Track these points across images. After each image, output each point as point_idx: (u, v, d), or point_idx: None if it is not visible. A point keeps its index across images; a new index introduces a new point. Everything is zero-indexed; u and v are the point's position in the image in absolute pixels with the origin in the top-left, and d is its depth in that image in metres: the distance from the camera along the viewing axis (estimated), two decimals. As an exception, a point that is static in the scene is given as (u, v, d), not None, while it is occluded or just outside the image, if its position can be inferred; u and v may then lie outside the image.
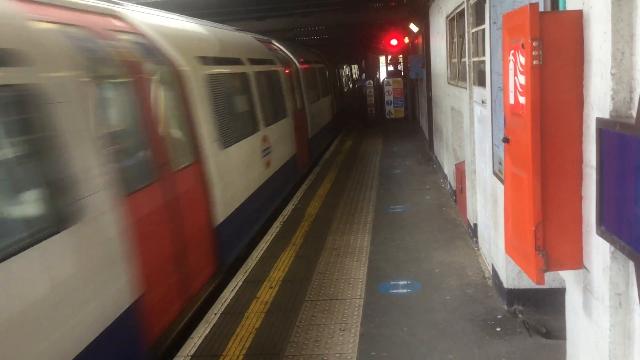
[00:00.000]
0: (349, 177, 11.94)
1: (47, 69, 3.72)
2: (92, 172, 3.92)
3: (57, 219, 3.49)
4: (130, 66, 5.02)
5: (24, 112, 3.44)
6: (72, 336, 3.51)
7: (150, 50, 5.60)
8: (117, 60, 4.84)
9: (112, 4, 5.49)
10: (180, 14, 7.98)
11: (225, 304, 5.77)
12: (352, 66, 33.98)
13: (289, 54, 11.59)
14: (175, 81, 5.95)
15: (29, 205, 3.49)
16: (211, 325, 5.33)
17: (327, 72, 18.72)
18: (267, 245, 7.65)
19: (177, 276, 5.26)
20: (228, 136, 7.03)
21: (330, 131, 17.67)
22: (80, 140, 3.86)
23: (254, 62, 9.39)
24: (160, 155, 5.18)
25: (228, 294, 6.02)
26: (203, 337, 5.10)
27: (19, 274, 3.13)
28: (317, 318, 5.31)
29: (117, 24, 5.28)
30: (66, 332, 3.45)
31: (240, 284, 6.30)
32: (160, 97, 5.56)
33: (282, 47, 12.98)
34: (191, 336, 5.15)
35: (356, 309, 5.45)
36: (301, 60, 13.94)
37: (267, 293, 6.00)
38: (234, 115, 7.70)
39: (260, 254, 7.27)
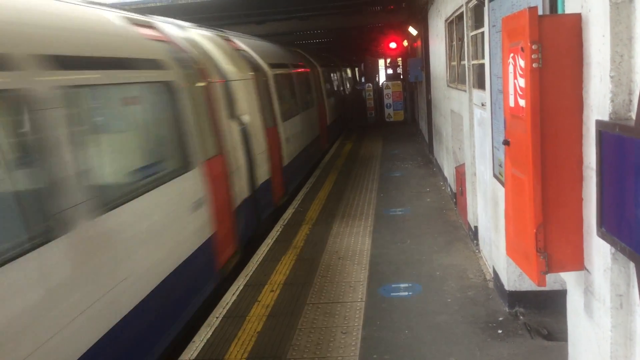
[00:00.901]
0: (349, 180, 11.96)
1: (310, 69, 16.51)
2: (315, 96, 16.28)
3: (307, 105, 14.36)
4: (311, 68, 16.70)
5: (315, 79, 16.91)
6: (313, 136, 14.42)
7: (309, 61, 16.87)
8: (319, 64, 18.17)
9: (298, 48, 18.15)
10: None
11: (227, 308, 5.78)
12: (353, 69, 34.12)
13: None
14: (314, 73, 16.82)
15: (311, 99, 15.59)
16: (213, 328, 5.33)
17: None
18: (267, 248, 7.65)
19: (323, 138, 16.20)
20: (330, 93, 19.31)
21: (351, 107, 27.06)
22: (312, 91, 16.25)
23: (333, 64, 23.27)
24: (320, 95, 16.91)
25: (229, 298, 6.03)
26: (205, 340, 5.11)
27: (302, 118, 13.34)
28: (318, 321, 5.32)
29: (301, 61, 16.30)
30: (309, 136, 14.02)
31: (241, 287, 6.31)
32: (312, 79, 15.95)
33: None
34: (193, 340, 5.15)
35: (357, 312, 5.45)
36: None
37: (268, 296, 6.01)
38: (331, 86, 20.47)
39: (261, 258, 7.27)
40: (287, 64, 13.09)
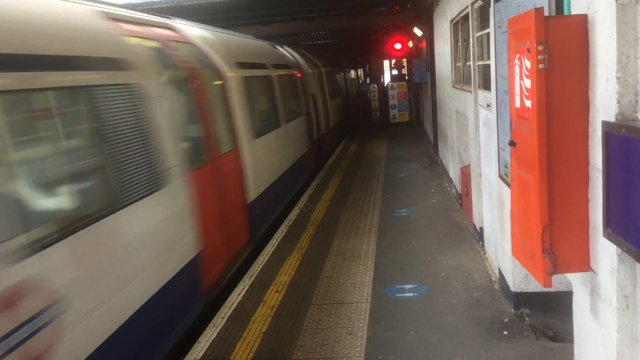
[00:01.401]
0: (354, 180, 11.96)
1: (340, 68, 24.84)
2: (343, 88, 24.11)
3: (341, 93, 22.16)
4: (341, 68, 25.08)
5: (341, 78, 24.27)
6: (344, 114, 21.66)
7: (339, 63, 24.71)
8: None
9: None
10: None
11: (232, 308, 5.79)
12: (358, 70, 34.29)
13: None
14: (344, 71, 25.53)
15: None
16: (218, 329, 5.35)
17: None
18: (273, 249, 7.67)
19: (349, 118, 22.90)
20: (351, 88, 27.07)
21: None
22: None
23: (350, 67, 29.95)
24: (345, 87, 24.39)
25: (235, 298, 6.04)
26: (210, 341, 5.12)
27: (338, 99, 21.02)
28: (323, 322, 5.32)
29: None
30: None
31: (246, 287, 6.33)
32: (342, 76, 24.07)
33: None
34: (198, 340, 5.17)
35: (363, 312, 5.46)
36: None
37: (273, 297, 6.02)
38: (352, 82, 28.41)
39: (267, 258, 7.29)
40: (330, 64, 20.08)
